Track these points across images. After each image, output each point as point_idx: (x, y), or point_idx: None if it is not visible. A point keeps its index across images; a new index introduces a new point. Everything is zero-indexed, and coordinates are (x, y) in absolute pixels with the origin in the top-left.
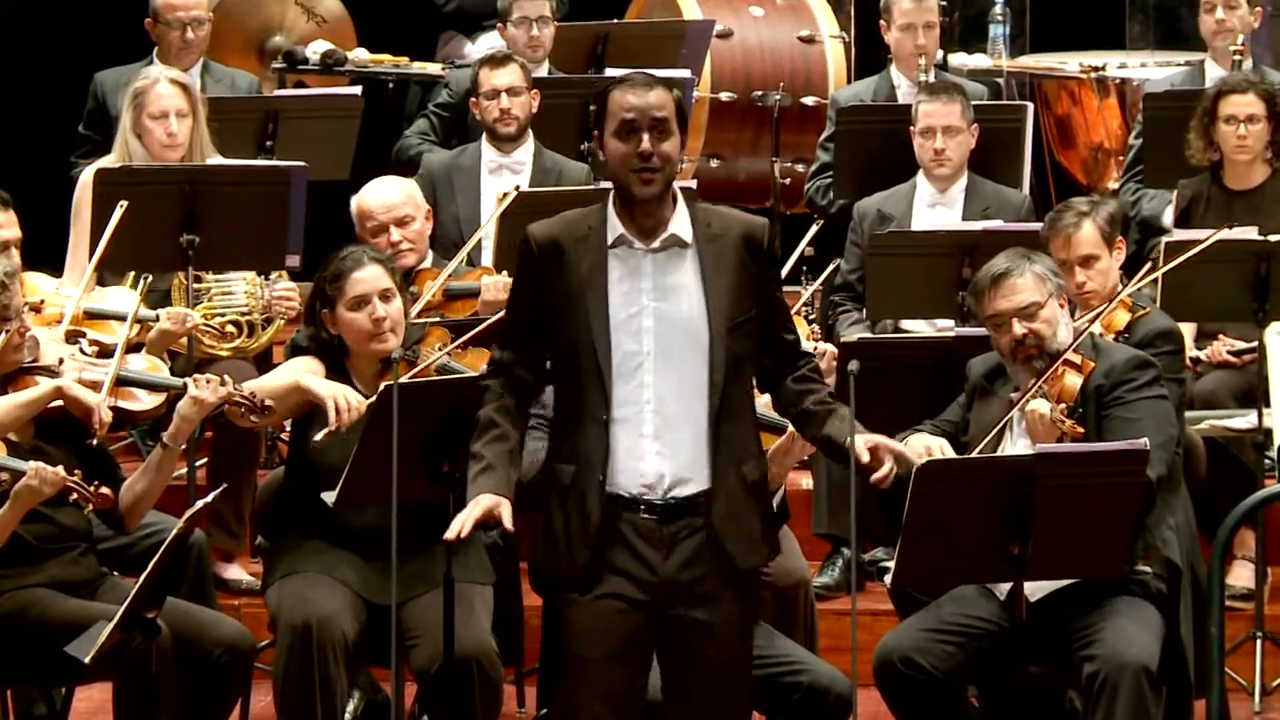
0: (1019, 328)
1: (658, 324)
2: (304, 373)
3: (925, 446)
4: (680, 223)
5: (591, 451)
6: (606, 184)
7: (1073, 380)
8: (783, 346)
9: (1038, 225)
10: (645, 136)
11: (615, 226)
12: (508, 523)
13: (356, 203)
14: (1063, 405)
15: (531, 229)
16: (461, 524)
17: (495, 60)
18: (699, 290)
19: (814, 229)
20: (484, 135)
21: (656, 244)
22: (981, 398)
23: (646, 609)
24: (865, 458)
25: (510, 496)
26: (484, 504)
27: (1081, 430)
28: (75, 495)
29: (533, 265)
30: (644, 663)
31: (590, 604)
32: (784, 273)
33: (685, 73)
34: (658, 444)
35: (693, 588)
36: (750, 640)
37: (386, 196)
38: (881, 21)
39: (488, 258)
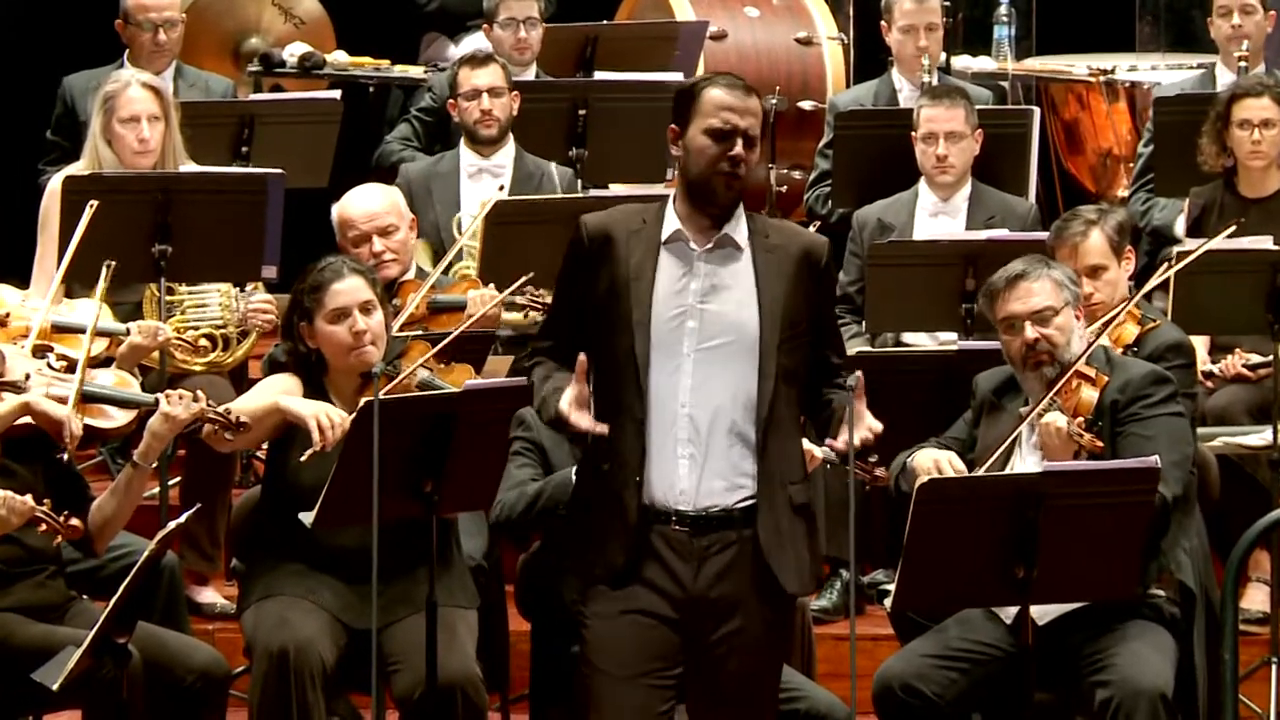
0: (1031, 331)
1: (703, 326)
2: (281, 393)
3: (934, 461)
4: (737, 228)
5: (628, 452)
6: (599, 191)
7: (1089, 393)
8: (828, 369)
9: (1044, 235)
10: (739, 141)
11: (672, 223)
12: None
13: (338, 211)
14: (1080, 419)
15: (585, 218)
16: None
17: (476, 60)
18: (751, 296)
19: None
20: (462, 139)
21: (711, 244)
22: (990, 414)
23: (675, 626)
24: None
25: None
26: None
27: (1101, 445)
28: (44, 526)
29: (582, 256)
30: (671, 687)
31: (615, 619)
32: None
33: (677, 76)
34: (690, 449)
35: (724, 603)
36: (781, 659)
37: (369, 205)
38: (882, 22)
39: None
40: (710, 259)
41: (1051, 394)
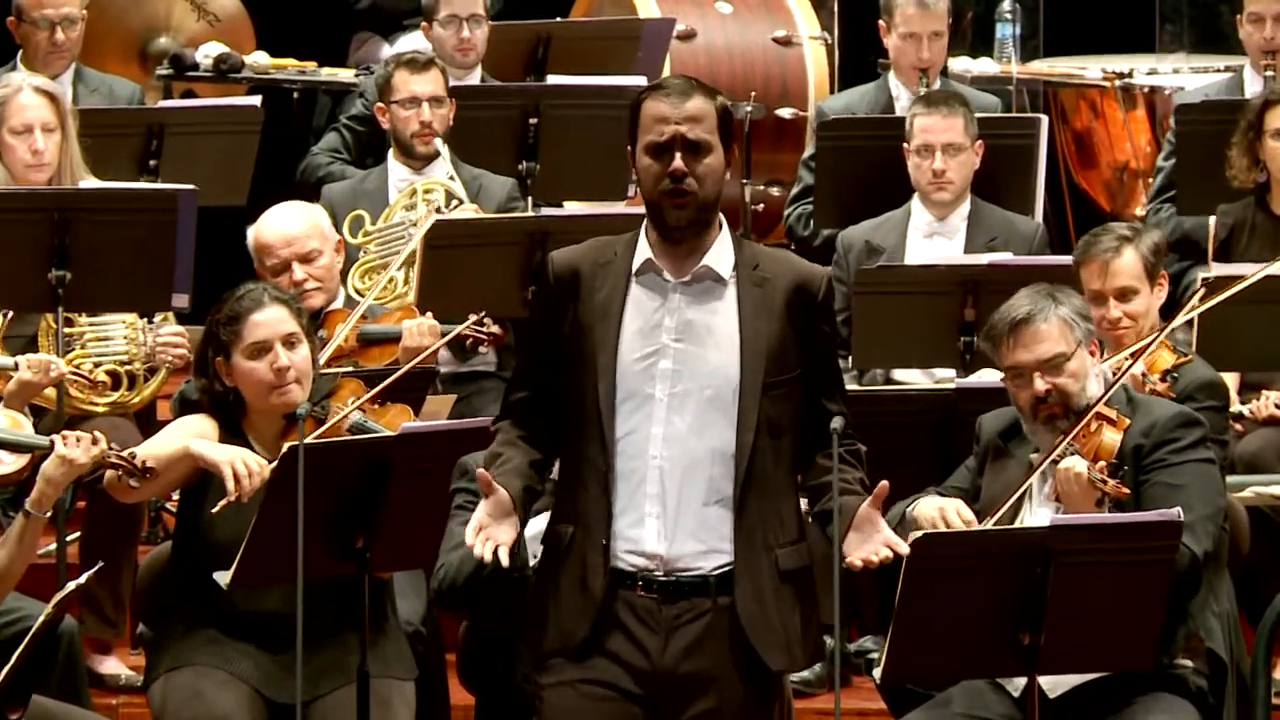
0: (1041, 383)
1: (676, 368)
2: (193, 436)
3: (938, 510)
4: (720, 256)
5: (593, 511)
6: (552, 210)
7: (1111, 436)
8: (824, 417)
9: (1053, 259)
10: (678, 155)
11: (644, 252)
12: (503, 558)
13: (253, 236)
14: (1102, 464)
15: (552, 255)
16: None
17: (415, 63)
18: (733, 336)
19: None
20: (391, 151)
21: (688, 276)
22: (995, 461)
23: (639, 702)
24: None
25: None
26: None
27: (1127, 491)
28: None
29: (547, 297)
30: None
31: (573, 692)
32: None
33: (641, 80)
34: (659, 507)
35: (695, 680)
36: None
37: (287, 227)
38: (881, 22)
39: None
40: (687, 292)
41: (1069, 438)
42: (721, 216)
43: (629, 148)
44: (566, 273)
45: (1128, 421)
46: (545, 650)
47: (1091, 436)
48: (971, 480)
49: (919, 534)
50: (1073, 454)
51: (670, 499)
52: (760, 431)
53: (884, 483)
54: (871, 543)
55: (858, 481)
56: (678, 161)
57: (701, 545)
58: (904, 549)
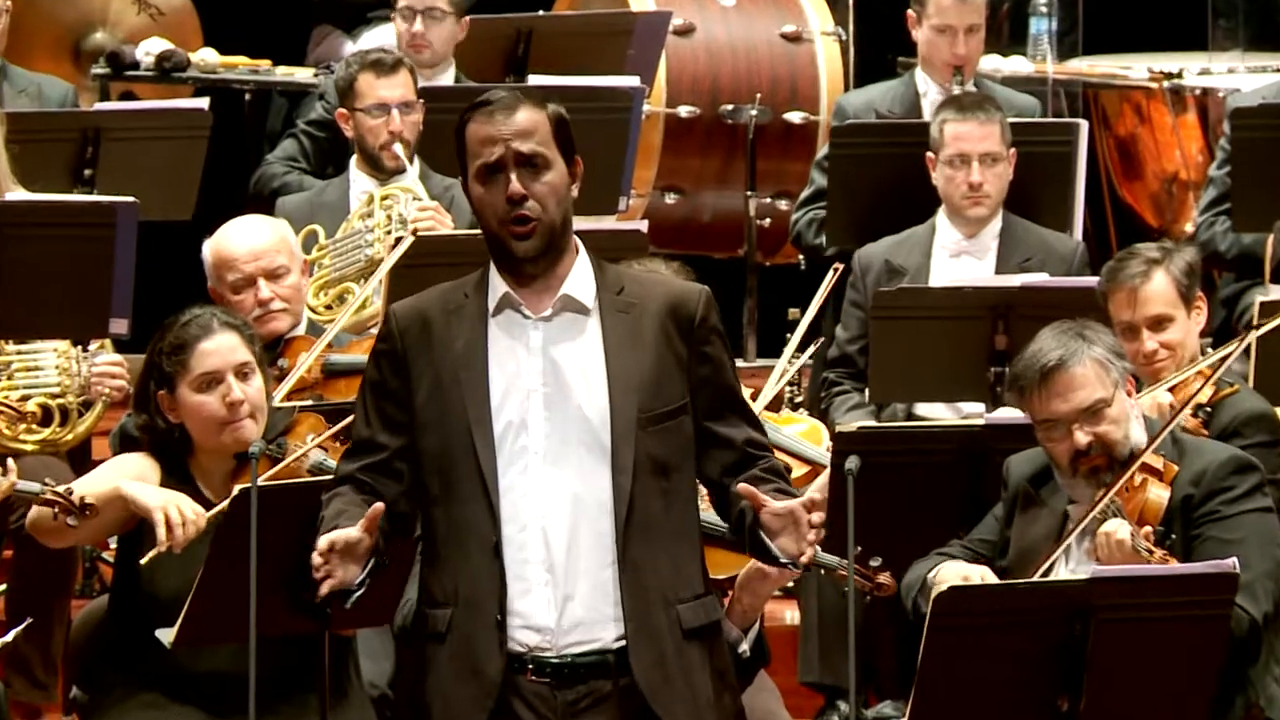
0: (1082, 435)
1: (548, 414)
2: (128, 476)
3: (962, 579)
4: (580, 283)
5: (482, 585)
6: None
7: (1157, 494)
8: (729, 444)
9: (1094, 281)
10: (513, 175)
11: (498, 288)
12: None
13: (213, 249)
14: (1147, 529)
15: (394, 307)
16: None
17: (381, 65)
18: (599, 370)
19: (832, 276)
20: (353, 159)
21: (547, 310)
22: (1026, 510)
23: None
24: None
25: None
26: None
27: (1175, 562)
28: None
29: (394, 355)
30: None
31: None
32: (799, 334)
33: (633, 80)
34: (549, 576)
35: None
36: None
37: (254, 240)
38: (910, 12)
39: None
40: (550, 328)
41: (1111, 492)
42: (577, 240)
43: (460, 179)
44: (413, 323)
45: (1175, 469)
46: None
47: (1135, 492)
48: (999, 531)
49: (944, 587)
50: (1115, 513)
51: (558, 563)
52: (639, 473)
53: (741, 485)
54: (796, 528)
55: (776, 488)
56: (514, 184)
57: (594, 614)
58: (816, 491)
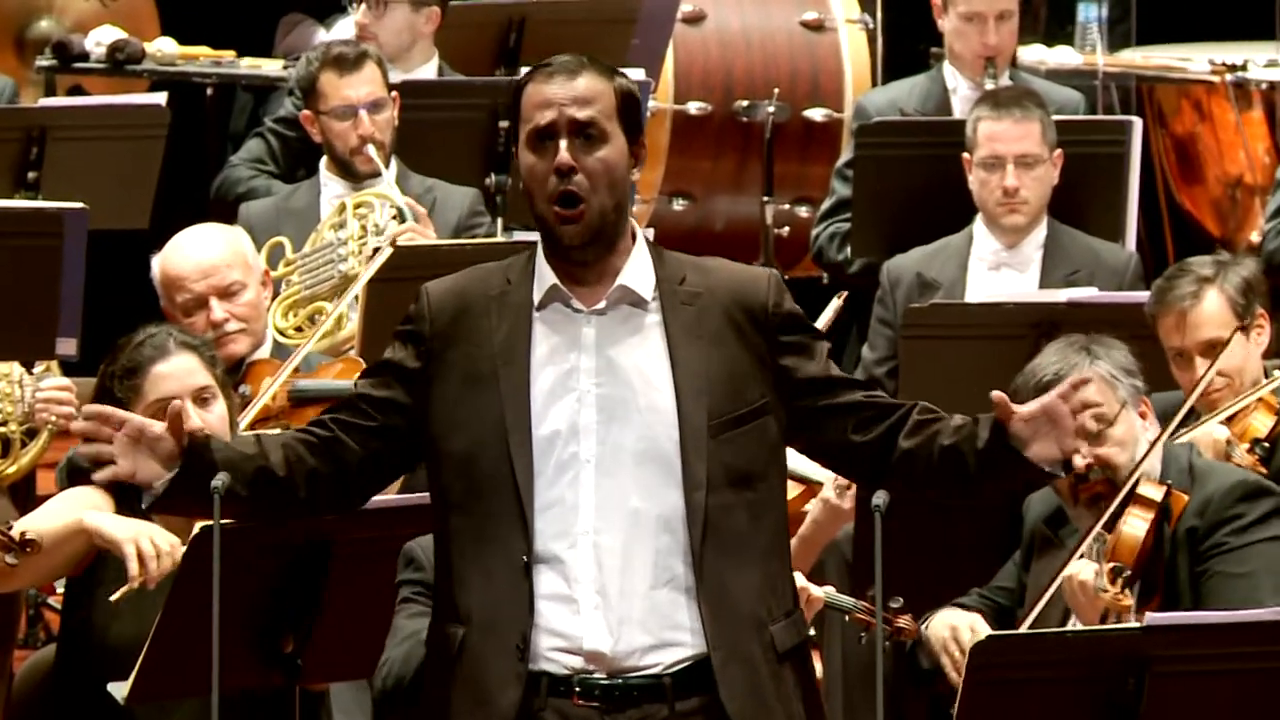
0: (1080, 459)
1: (602, 419)
2: (87, 508)
3: (950, 629)
4: (637, 273)
5: (499, 607)
6: (527, 234)
7: (1134, 528)
8: (857, 410)
9: (1148, 296)
10: (564, 143)
11: (546, 277)
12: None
13: (160, 266)
14: (1112, 566)
15: (428, 286)
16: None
17: (344, 61)
18: (663, 370)
19: (837, 302)
20: (323, 161)
21: (601, 303)
22: (1043, 553)
23: None
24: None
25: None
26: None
27: (1128, 604)
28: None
29: (415, 340)
30: None
31: None
32: None
33: (637, 73)
34: (600, 599)
35: None
36: None
37: (203, 255)
38: (935, 1)
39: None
40: (604, 323)
41: (1097, 527)
42: (634, 223)
43: (513, 151)
44: (449, 308)
45: (1185, 498)
46: None
47: (1120, 528)
48: (1018, 576)
49: (980, 638)
50: (1098, 553)
51: (612, 583)
52: (715, 487)
53: (994, 393)
54: (1055, 426)
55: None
56: (563, 153)
57: (651, 638)
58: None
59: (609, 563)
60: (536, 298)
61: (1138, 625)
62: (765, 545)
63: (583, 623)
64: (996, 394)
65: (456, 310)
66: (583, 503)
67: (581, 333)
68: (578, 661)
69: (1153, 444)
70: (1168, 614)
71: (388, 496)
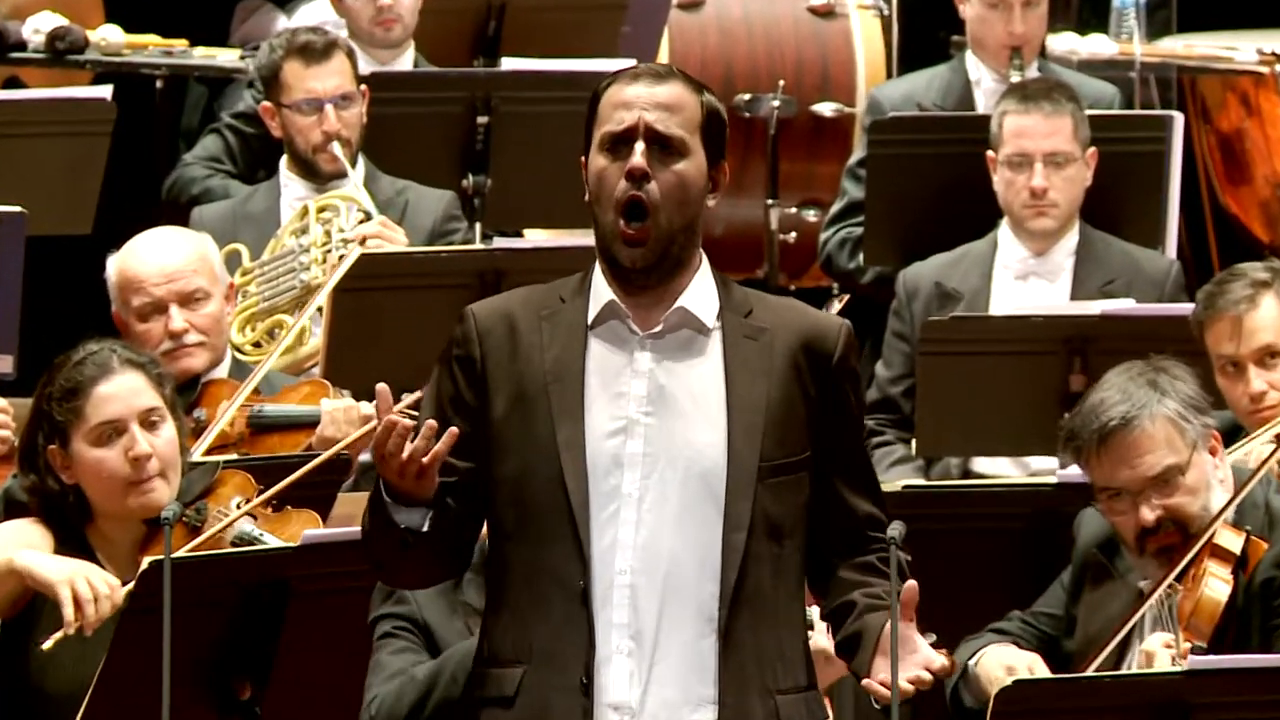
0: (1149, 511)
1: (649, 450)
2: (19, 546)
3: (1006, 669)
4: (701, 298)
5: (560, 639)
6: (508, 241)
7: (1213, 590)
8: (849, 515)
9: (1191, 308)
10: (639, 147)
11: (602, 294)
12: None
13: (118, 268)
14: (1186, 645)
15: (473, 308)
16: None
17: (310, 51)
18: (718, 403)
19: (837, 304)
20: (284, 160)
21: (659, 325)
22: (1098, 584)
23: None
24: (908, 686)
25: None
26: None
27: None
28: None
29: (465, 365)
30: None
31: None
32: None
33: (628, 63)
34: (634, 645)
35: None
36: None
37: (166, 258)
38: None
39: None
40: (660, 347)
41: (1164, 585)
42: (703, 254)
43: (582, 160)
44: (496, 327)
45: (1263, 546)
46: None
47: (1195, 584)
48: (1065, 606)
49: (1007, 681)
50: (1166, 615)
51: (646, 629)
52: (755, 532)
53: (911, 584)
54: (903, 665)
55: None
56: (637, 157)
57: (685, 694)
58: (939, 665)
59: (645, 608)
60: (591, 315)
61: (1178, 670)
62: (783, 607)
63: (612, 671)
64: (868, 683)
65: (505, 330)
66: (622, 540)
67: (634, 356)
68: (609, 715)
69: (1228, 503)
70: (1210, 657)
71: (346, 529)
